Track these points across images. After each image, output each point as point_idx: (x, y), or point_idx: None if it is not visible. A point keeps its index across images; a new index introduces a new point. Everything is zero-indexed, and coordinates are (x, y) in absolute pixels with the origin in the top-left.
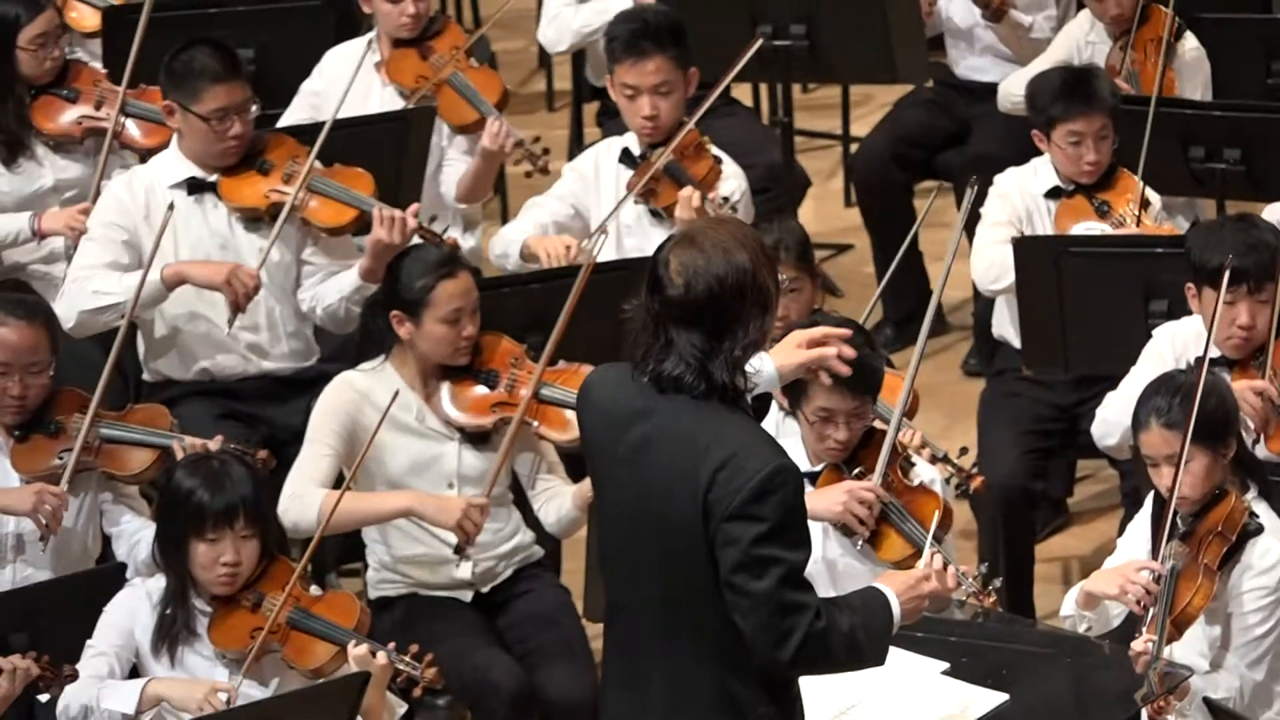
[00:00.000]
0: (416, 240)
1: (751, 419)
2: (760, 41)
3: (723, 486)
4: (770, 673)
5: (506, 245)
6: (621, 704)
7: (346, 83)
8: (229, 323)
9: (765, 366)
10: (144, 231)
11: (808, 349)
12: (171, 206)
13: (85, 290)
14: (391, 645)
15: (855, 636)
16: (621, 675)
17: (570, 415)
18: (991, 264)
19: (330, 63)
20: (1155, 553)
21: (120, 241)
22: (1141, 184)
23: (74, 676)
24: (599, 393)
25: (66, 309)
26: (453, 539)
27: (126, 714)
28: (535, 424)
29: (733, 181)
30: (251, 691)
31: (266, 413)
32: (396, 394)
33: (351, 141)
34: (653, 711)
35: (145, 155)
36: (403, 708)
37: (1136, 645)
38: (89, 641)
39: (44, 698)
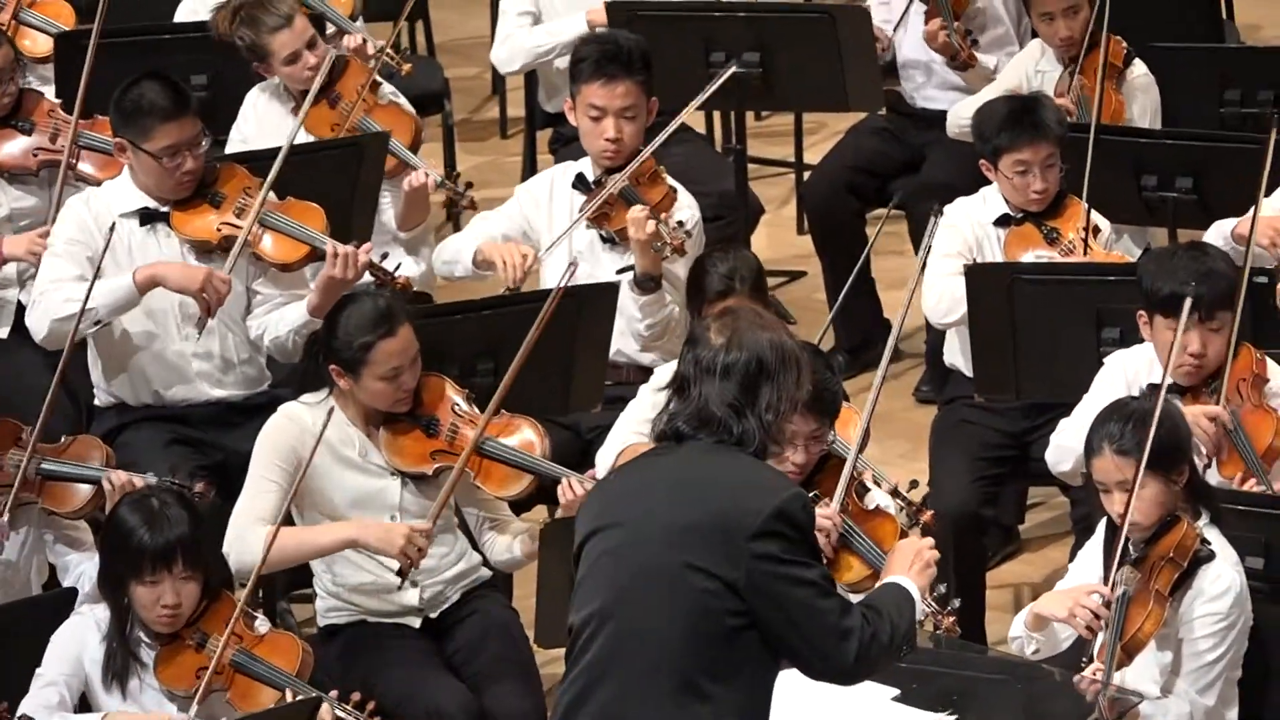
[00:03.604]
0: (364, 277)
1: (761, 461)
2: (731, 70)
3: (741, 506)
4: (835, 680)
5: (456, 252)
6: None
7: (269, 125)
8: (199, 327)
9: None
10: (103, 249)
11: None
12: (113, 228)
13: (56, 300)
14: (334, 693)
15: (895, 622)
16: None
17: (508, 471)
18: (942, 297)
19: (250, 104)
20: (1107, 579)
21: (85, 257)
22: (1088, 210)
23: None
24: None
25: (39, 320)
26: (395, 565)
27: None
28: (473, 476)
29: (687, 210)
30: None
31: (219, 439)
32: (331, 411)
33: (302, 169)
34: None
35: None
36: None
37: (1086, 671)
38: (38, 671)
39: None
